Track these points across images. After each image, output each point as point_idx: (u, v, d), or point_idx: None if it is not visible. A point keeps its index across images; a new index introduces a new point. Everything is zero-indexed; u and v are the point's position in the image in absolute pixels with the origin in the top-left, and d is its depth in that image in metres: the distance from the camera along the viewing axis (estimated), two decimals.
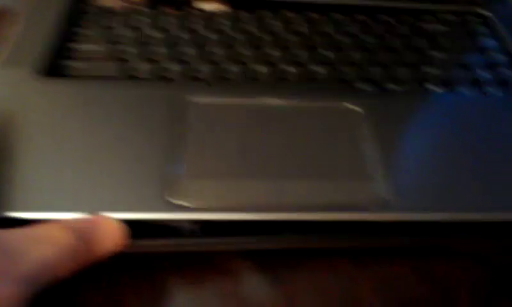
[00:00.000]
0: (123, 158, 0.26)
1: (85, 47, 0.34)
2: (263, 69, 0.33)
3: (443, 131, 0.29)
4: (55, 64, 0.32)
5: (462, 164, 0.27)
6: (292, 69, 0.34)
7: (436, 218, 0.25)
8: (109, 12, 0.37)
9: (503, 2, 0.41)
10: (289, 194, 0.25)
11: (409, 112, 0.30)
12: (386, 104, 0.31)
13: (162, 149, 0.27)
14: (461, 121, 0.30)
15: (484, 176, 0.27)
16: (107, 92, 0.29)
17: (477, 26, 0.39)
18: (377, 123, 0.29)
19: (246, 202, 0.25)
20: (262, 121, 0.29)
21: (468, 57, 0.36)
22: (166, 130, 0.28)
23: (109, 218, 0.23)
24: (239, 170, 0.26)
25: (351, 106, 0.30)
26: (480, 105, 0.32)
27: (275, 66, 0.34)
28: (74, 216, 0.23)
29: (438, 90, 0.33)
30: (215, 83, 0.32)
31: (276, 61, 0.34)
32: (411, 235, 0.26)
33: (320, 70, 0.34)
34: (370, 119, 0.29)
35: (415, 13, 0.40)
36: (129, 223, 0.23)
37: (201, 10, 0.38)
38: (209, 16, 0.37)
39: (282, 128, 0.29)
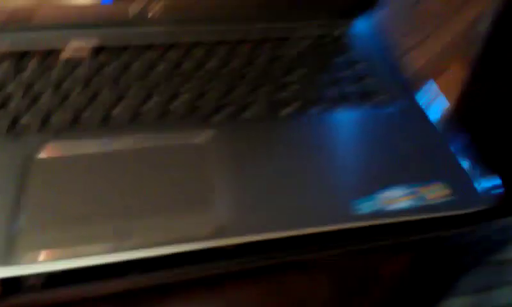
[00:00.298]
0: None
1: None
2: (118, 109, 0.34)
3: (283, 154, 0.31)
4: None
5: (302, 183, 0.30)
6: (148, 106, 0.35)
7: (269, 236, 0.27)
8: None
9: (355, 17, 0.45)
10: (134, 233, 0.26)
11: (254, 139, 0.32)
12: (234, 134, 0.33)
13: (7, 207, 0.27)
14: (302, 142, 0.32)
15: (318, 192, 0.29)
16: None
17: (332, 44, 0.42)
18: (223, 154, 0.31)
19: (89, 248, 0.26)
20: (110, 164, 0.30)
21: (321, 78, 0.39)
22: (12, 188, 0.28)
23: None
24: (82, 217, 0.27)
25: (199, 140, 0.32)
26: (328, 123, 0.34)
27: (131, 105, 0.35)
28: None
29: (290, 113, 0.35)
30: (67, 130, 0.32)
31: (132, 100, 0.35)
32: (257, 255, 0.28)
33: (176, 105, 0.35)
34: (217, 150, 0.31)
35: (274, 41, 0.42)
36: None
37: (60, 57, 0.39)
38: (67, 61, 0.38)
39: (130, 170, 0.30)
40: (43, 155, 0.30)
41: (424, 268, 0.34)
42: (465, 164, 0.32)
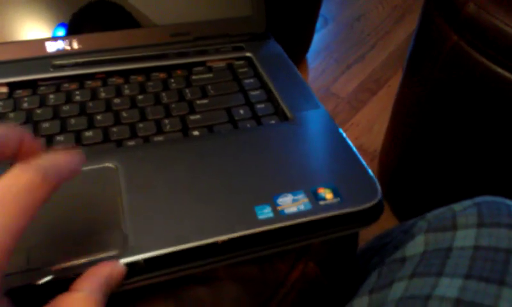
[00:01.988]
0: None
1: None
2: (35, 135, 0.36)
3: (192, 169, 0.33)
4: None
5: (204, 196, 0.32)
6: (60, 138, 0.36)
7: (167, 251, 0.29)
8: None
9: (263, 41, 0.48)
10: (37, 259, 0.28)
11: (163, 158, 0.34)
12: (144, 156, 0.34)
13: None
14: (211, 157, 0.35)
15: (219, 203, 0.31)
16: None
17: (240, 69, 0.45)
18: (132, 175, 0.33)
19: None
20: None
21: (230, 100, 0.41)
22: None
23: None
24: None
25: (109, 164, 0.33)
26: (231, 139, 0.37)
27: (44, 137, 0.36)
28: None
29: (199, 135, 0.38)
30: None
31: (45, 132, 0.37)
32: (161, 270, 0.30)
33: (90, 134, 0.37)
34: (126, 173, 0.33)
35: (188, 66, 0.45)
36: None
37: None
38: None
39: None
40: None
41: (330, 270, 0.36)
42: (358, 166, 0.34)
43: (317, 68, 1.30)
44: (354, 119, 1.17)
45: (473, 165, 0.68)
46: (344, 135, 0.37)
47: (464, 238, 0.34)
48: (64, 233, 0.29)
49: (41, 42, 0.43)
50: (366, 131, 1.14)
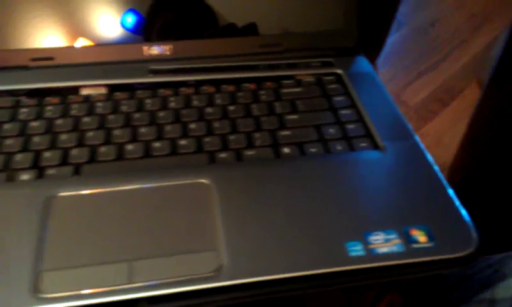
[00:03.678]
0: None
1: None
2: (130, 146, 0.37)
3: (281, 194, 0.33)
4: None
5: (297, 225, 0.32)
6: (157, 144, 0.38)
7: (259, 279, 0.29)
8: None
9: (352, 57, 0.47)
10: (136, 274, 0.29)
11: (256, 179, 0.35)
12: (237, 175, 0.35)
13: (27, 247, 0.30)
14: (300, 183, 0.35)
15: (313, 234, 0.31)
16: None
17: (330, 85, 0.44)
18: (226, 194, 0.33)
19: (103, 286, 0.28)
20: (120, 206, 0.33)
21: (319, 118, 0.41)
22: (32, 227, 0.31)
23: None
24: (93, 256, 0.30)
25: (204, 180, 0.34)
26: (323, 165, 0.36)
27: (142, 143, 0.37)
28: None
29: (290, 152, 0.38)
30: (84, 173, 0.35)
31: (143, 138, 0.38)
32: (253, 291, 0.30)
33: (184, 142, 0.38)
34: (220, 191, 0.33)
35: (277, 79, 0.45)
36: None
37: (79, 95, 0.42)
38: (85, 99, 0.41)
39: (137, 211, 0.32)
40: (63, 193, 0.33)
41: (414, 301, 0.35)
42: (452, 208, 0.33)
43: (386, 74, 1.27)
44: (423, 130, 1.13)
45: None
46: (439, 173, 0.36)
47: None
48: (161, 248, 0.30)
49: (138, 46, 0.44)
50: (435, 143, 1.10)
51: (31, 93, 0.42)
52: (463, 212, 0.33)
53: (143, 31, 0.44)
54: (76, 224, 0.31)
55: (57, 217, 0.32)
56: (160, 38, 0.44)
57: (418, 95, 1.22)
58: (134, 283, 0.29)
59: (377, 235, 0.31)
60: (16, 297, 0.27)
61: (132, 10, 0.43)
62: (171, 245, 0.30)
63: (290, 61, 0.46)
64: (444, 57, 1.32)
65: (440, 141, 1.11)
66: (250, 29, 0.45)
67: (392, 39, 1.37)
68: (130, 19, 0.44)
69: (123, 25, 0.43)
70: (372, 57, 1.24)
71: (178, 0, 0.44)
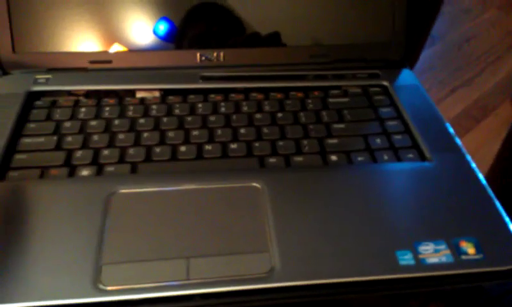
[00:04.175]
0: (57, 253, 0.30)
1: (31, 140, 0.39)
2: (183, 148, 0.39)
3: (330, 201, 0.34)
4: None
5: (346, 231, 0.33)
6: (211, 146, 0.39)
7: (308, 283, 0.30)
8: (55, 106, 0.42)
9: (398, 70, 0.48)
10: (193, 271, 0.30)
11: (305, 185, 0.36)
12: (287, 180, 0.36)
13: (89, 240, 0.31)
14: (348, 191, 0.35)
15: (363, 241, 0.32)
16: (45, 189, 0.35)
17: (376, 96, 0.45)
18: (277, 198, 0.34)
19: (161, 281, 0.30)
20: (177, 205, 0.34)
21: (366, 128, 0.42)
22: (94, 221, 0.32)
23: None
24: (152, 252, 0.31)
25: (255, 183, 0.35)
26: (371, 173, 0.37)
27: (194, 145, 0.39)
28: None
29: (338, 160, 0.39)
30: (140, 172, 0.37)
31: (196, 140, 0.39)
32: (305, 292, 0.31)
33: (235, 148, 0.39)
34: (272, 195, 0.35)
35: (324, 89, 0.46)
36: None
37: (134, 97, 0.44)
38: (141, 101, 0.43)
39: (192, 210, 0.34)
40: (123, 190, 0.35)
41: None
42: (500, 221, 0.34)
43: None
44: None
45: None
46: (486, 185, 0.36)
47: None
48: (216, 247, 0.32)
49: (192, 53, 0.46)
50: None
51: (89, 93, 0.44)
52: (510, 225, 0.33)
53: (175, 39, 0.45)
54: (135, 220, 0.33)
55: (117, 213, 0.33)
56: (190, 47, 0.46)
57: (451, 111, 1.21)
58: (192, 279, 0.30)
59: (427, 245, 0.31)
60: (79, 288, 0.29)
61: (165, 18, 0.45)
62: (226, 245, 0.32)
63: (338, 73, 0.47)
64: (478, 73, 1.31)
65: (472, 158, 1.10)
66: (274, 39, 0.46)
67: (426, 54, 1.37)
68: (163, 27, 0.45)
69: (155, 33, 0.45)
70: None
71: (209, 11, 0.46)
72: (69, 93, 0.44)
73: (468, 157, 0.39)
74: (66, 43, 0.44)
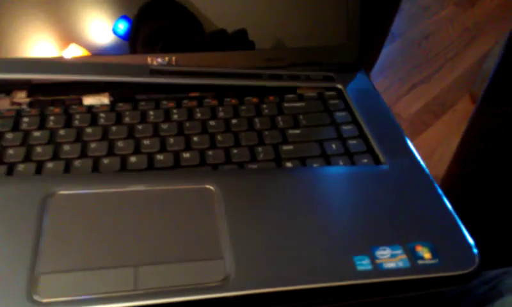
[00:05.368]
0: None
1: None
2: (133, 158, 0.37)
3: (284, 206, 0.34)
4: None
5: (303, 236, 0.32)
6: (162, 156, 0.38)
7: (272, 290, 0.29)
8: None
9: (353, 73, 0.48)
10: (141, 280, 0.29)
11: (259, 189, 0.35)
12: (240, 182, 0.35)
13: (24, 247, 0.29)
14: (303, 195, 0.35)
15: (317, 247, 0.31)
16: None
17: (331, 100, 0.45)
18: (230, 202, 0.33)
19: (105, 292, 0.28)
20: (123, 208, 0.32)
21: (321, 133, 0.42)
22: (29, 225, 0.30)
23: None
24: (95, 260, 0.29)
25: (208, 186, 0.34)
26: (327, 177, 0.37)
27: (145, 155, 0.38)
28: None
29: (293, 167, 0.38)
30: (84, 174, 0.35)
31: (146, 150, 0.38)
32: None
33: (187, 155, 0.38)
34: (225, 198, 0.33)
35: (279, 91, 0.45)
36: None
37: (81, 105, 0.42)
38: (88, 109, 0.41)
39: (140, 214, 0.32)
40: (62, 191, 0.33)
41: None
42: (455, 226, 0.34)
43: (380, 85, 1.28)
44: (416, 141, 1.15)
45: None
46: (440, 190, 0.36)
47: None
48: (166, 254, 0.30)
49: (143, 57, 0.44)
50: (427, 155, 1.11)
51: (32, 102, 0.42)
52: (464, 229, 0.33)
53: (130, 38, 0.44)
54: (76, 225, 0.31)
55: (56, 217, 0.31)
56: (146, 46, 0.44)
57: (411, 107, 1.23)
58: (140, 289, 0.28)
59: (384, 249, 0.31)
60: (11, 301, 0.27)
61: (125, 17, 0.43)
62: (177, 251, 0.30)
63: (292, 73, 0.46)
64: (437, 70, 1.34)
65: (432, 153, 1.12)
66: (240, 37, 0.45)
67: (386, 51, 1.39)
68: (123, 26, 0.44)
69: (115, 32, 0.43)
70: (367, 68, 1.25)
71: (165, 9, 0.44)
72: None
73: (422, 162, 0.39)
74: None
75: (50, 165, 0.36)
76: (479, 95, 0.75)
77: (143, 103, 0.43)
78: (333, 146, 0.40)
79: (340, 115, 0.43)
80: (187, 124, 0.41)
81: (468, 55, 1.38)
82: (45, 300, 0.27)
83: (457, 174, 0.87)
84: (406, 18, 1.50)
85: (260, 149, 0.39)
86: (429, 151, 1.12)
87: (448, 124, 1.19)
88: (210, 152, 0.39)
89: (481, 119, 0.77)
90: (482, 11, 1.53)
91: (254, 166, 0.38)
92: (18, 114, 0.40)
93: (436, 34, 1.45)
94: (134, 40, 0.44)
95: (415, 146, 0.41)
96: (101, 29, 0.43)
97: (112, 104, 0.42)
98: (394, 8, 1.07)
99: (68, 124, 0.40)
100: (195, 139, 0.40)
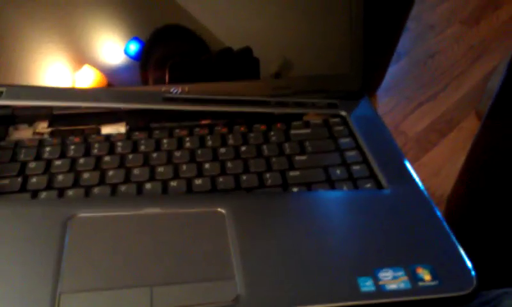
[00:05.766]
0: (11, 282, 0.30)
1: None
2: (149, 185, 0.39)
3: (292, 229, 0.36)
4: None
5: (310, 258, 0.34)
6: (174, 183, 0.40)
7: None
8: (19, 146, 0.43)
9: (357, 100, 0.50)
10: (157, 300, 0.30)
11: (269, 211, 0.37)
12: (249, 205, 0.37)
13: (47, 267, 0.31)
14: (314, 217, 0.37)
15: (324, 269, 0.33)
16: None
17: (336, 127, 0.47)
18: (240, 224, 0.35)
19: None
20: (139, 230, 0.34)
21: (327, 159, 0.44)
22: (51, 246, 0.32)
23: None
24: (113, 280, 0.31)
25: (219, 209, 0.36)
26: (330, 201, 0.39)
27: (160, 181, 0.40)
28: None
29: (298, 190, 0.40)
30: (102, 199, 0.38)
31: (160, 177, 0.40)
32: None
33: (199, 182, 0.40)
34: (235, 221, 0.35)
35: (286, 118, 0.48)
36: None
37: (100, 134, 0.44)
38: (106, 138, 0.44)
39: (155, 236, 0.34)
40: (82, 214, 0.35)
41: None
42: (454, 249, 0.35)
43: (386, 104, 1.30)
44: (422, 160, 1.16)
45: None
46: (441, 215, 0.38)
47: None
48: (180, 275, 0.32)
49: (157, 88, 0.47)
50: (433, 173, 1.13)
51: (53, 132, 0.44)
52: (463, 252, 0.35)
53: (141, 60, 0.46)
54: (95, 246, 0.33)
55: (76, 238, 0.33)
56: (156, 69, 0.47)
57: (417, 126, 1.25)
58: None
59: (386, 271, 0.33)
60: None
61: (136, 38, 0.46)
62: (190, 272, 0.32)
63: (298, 100, 0.49)
64: (443, 88, 1.36)
65: (438, 171, 1.14)
66: (246, 55, 0.48)
67: (392, 70, 1.41)
68: (134, 47, 0.46)
69: (126, 53, 0.46)
70: (373, 88, 1.27)
71: (176, 35, 0.47)
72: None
73: (422, 187, 0.40)
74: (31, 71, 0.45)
75: (70, 192, 0.38)
76: (485, 113, 0.76)
77: (157, 131, 0.45)
78: (338, 171, 0.42)
79: (344, 141, 0.46)
80: (199, 151, 0.43)
81: (474, 73, 1.40)
82: None
83: (462, 192, 0.88)
84: (411, 37, 1.53)
85: (268, 175, 0.41)
86: (435, 170, 1.14)
87: (455, 142, 1.20)
88: (220, 179, 0.41)
89: (486, 136, 0.78)
90: (487, 29, 1.55)
91: (263, 191, 0.40)
92: (41, 144, 0.43)
93: (441, 53, 1.47)
94: (145, 62, 0.47)
95: (421, 164, 0.42)
96: (113, 50, 0.46)
97: (128, 133, 0.45)
98: (400, 28, 1.09)
99: (87, 153, 0.42)
100: (206, 166, 0.42)
